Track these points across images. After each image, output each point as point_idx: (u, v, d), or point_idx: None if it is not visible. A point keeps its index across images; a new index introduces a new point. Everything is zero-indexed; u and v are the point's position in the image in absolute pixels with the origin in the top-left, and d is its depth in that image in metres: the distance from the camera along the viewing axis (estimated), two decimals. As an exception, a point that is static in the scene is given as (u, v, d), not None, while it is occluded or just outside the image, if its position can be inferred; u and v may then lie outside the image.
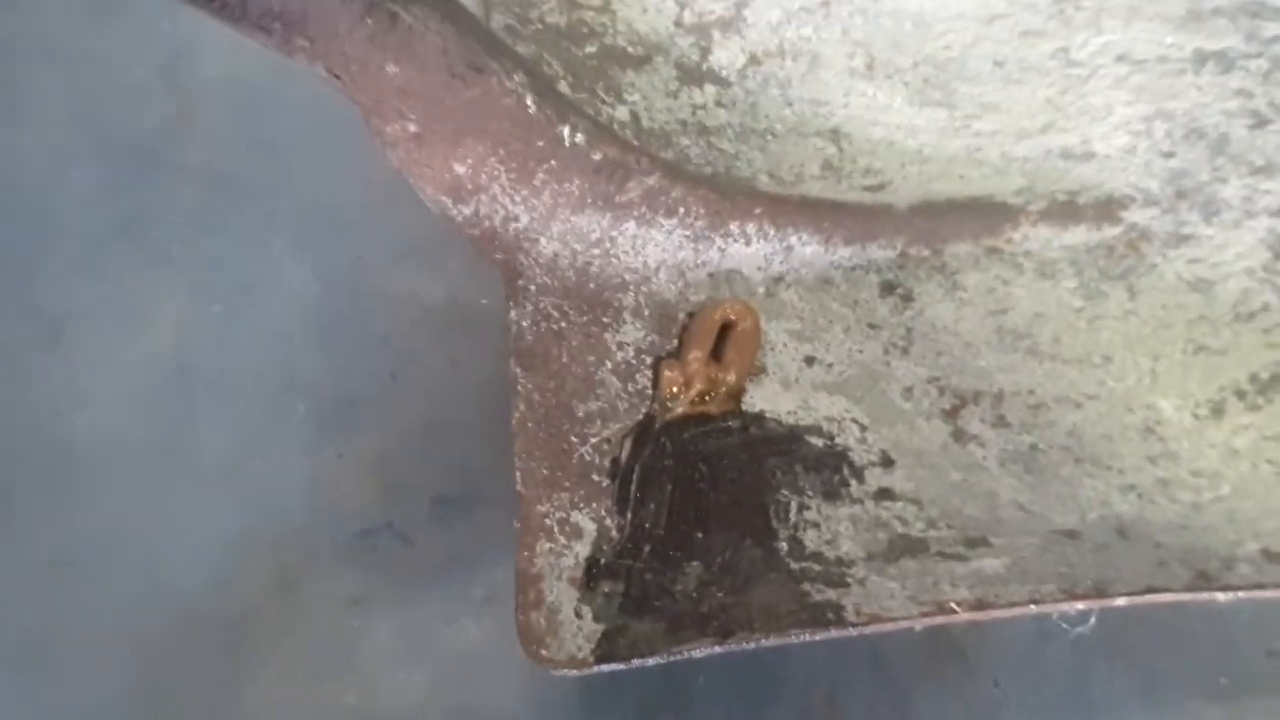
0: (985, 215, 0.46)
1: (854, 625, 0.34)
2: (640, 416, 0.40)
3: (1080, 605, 0.35)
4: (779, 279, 0.44)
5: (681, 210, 0.43)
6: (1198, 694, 0.40)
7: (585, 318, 0.41)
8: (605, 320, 0.41)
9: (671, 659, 0.33)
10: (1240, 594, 0.35)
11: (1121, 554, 0.37)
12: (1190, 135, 0.47)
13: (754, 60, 0.49)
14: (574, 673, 0.33)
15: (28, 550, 0.44)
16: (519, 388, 0.38)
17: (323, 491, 0.44)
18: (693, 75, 0.48)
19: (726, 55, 0.49)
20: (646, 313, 0.42)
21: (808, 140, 0.48)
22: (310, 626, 0.41)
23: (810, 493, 0.39)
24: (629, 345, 0.41)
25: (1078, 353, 0.43)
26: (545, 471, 0.37)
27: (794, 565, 0.36)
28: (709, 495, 0.38)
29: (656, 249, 0.43)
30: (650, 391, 0.41)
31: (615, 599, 0.35)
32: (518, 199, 0.40)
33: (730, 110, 0.48)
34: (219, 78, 0.52)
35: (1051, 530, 0.38)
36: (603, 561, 0.36)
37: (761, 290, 0.44)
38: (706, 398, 0.41)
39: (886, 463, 0.40)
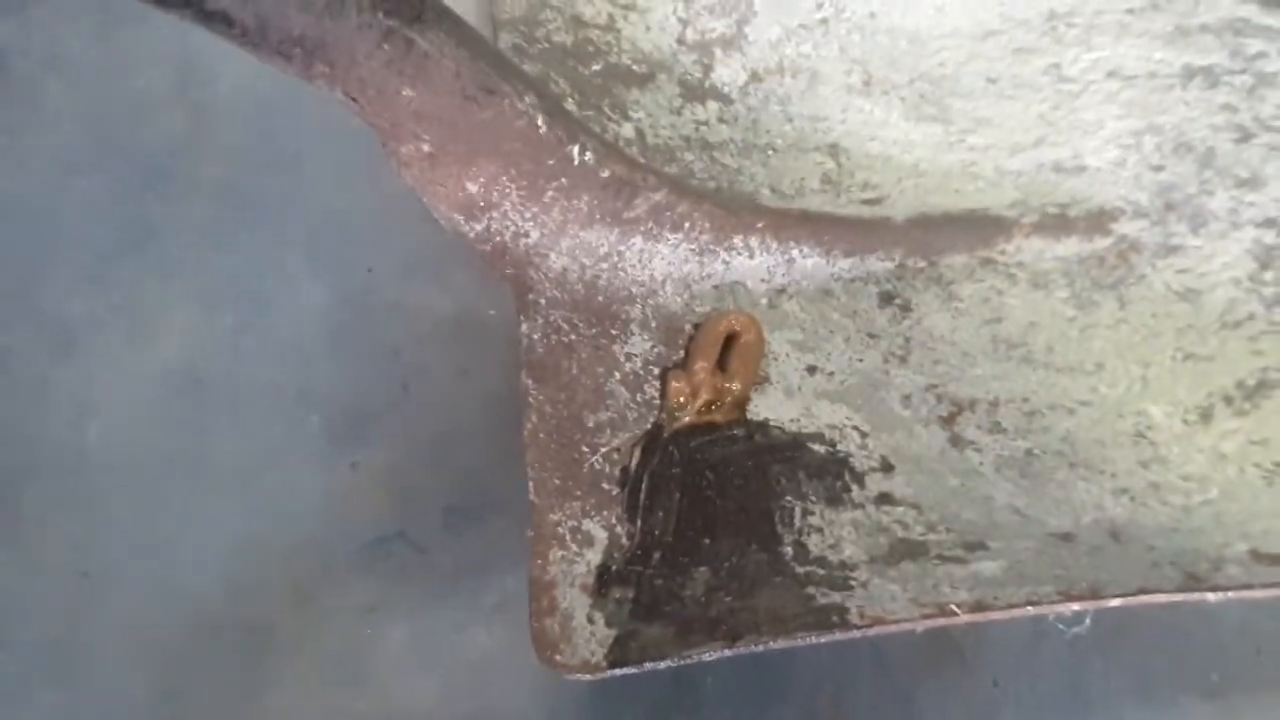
0: (980, 228, 0.47)
1: (858, 627, 0.35)
2: (649, 426, 0.41)
3: (1075, 606, 0.37)
4: (781, 290, 0.46)
5: (687, 225, 0.44)
6: (1190, 691, 0.41)
7: (594, 330, 0.42)
8: (614, 332, 0.42)
9: (681, 662, 0.34)
10: (1229, 594, 0.36)
11: (1115, 556, 0.38)
12: (1178, 149, 0.48)
13: (755, 77, 0.50)
14: (587, 677, 0.34)
15: (44, 560, 0.44)
16: (530, 399, 0.39)
17: (336, 501, 0.44)
18: (696, 92, 0.49)
19: (728, 72, 0.50)
20: (653, 325, 0.43)
21: (807, 155, 0.49)
22: (325, 635, 0.42)
23: (813, 498, 0.40)
24: (637, 356, 0.42)
25: (1070, 361, 0.44)
26: (557, 481, 0.38)
27: (799, 569, 0.37)
28: (716, 502, 0.39)
29: (663, 262, 0.44)
30: (658, 401, 0.42)
31: (626, 604, 0.36)
32: (528, 216, 0.41)
33: (732, 126, 0.49)
34: (231, 91, 0.53)
35: (1047, 533, 0.39)
36: (614, 568, 0.37)
37: (764, 302, 0.45)
38: (713, 407, 0.42)
39: (886, 468, 0.41)
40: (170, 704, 0.41)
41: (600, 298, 0.43)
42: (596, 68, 0.49)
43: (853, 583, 0.37)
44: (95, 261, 0.50)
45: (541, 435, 0.39)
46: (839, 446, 0.41)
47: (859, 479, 0.40)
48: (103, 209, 0.50)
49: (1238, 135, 0.48)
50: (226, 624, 0.42)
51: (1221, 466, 0.41)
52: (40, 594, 0.44)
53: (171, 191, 0.51)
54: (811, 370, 0.44)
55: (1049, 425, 0.42)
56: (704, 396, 0.42)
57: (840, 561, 0.38)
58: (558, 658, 0.34)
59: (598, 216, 0.42)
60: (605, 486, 0.39)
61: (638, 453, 0.40)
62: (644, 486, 0.39)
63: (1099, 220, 0.47)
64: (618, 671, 0.34)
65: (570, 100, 0.47)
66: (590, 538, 0.37)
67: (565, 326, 0.42)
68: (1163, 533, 0.39)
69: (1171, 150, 0.48)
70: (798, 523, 0.39)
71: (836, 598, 0.36)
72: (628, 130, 0.48)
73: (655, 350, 0.43)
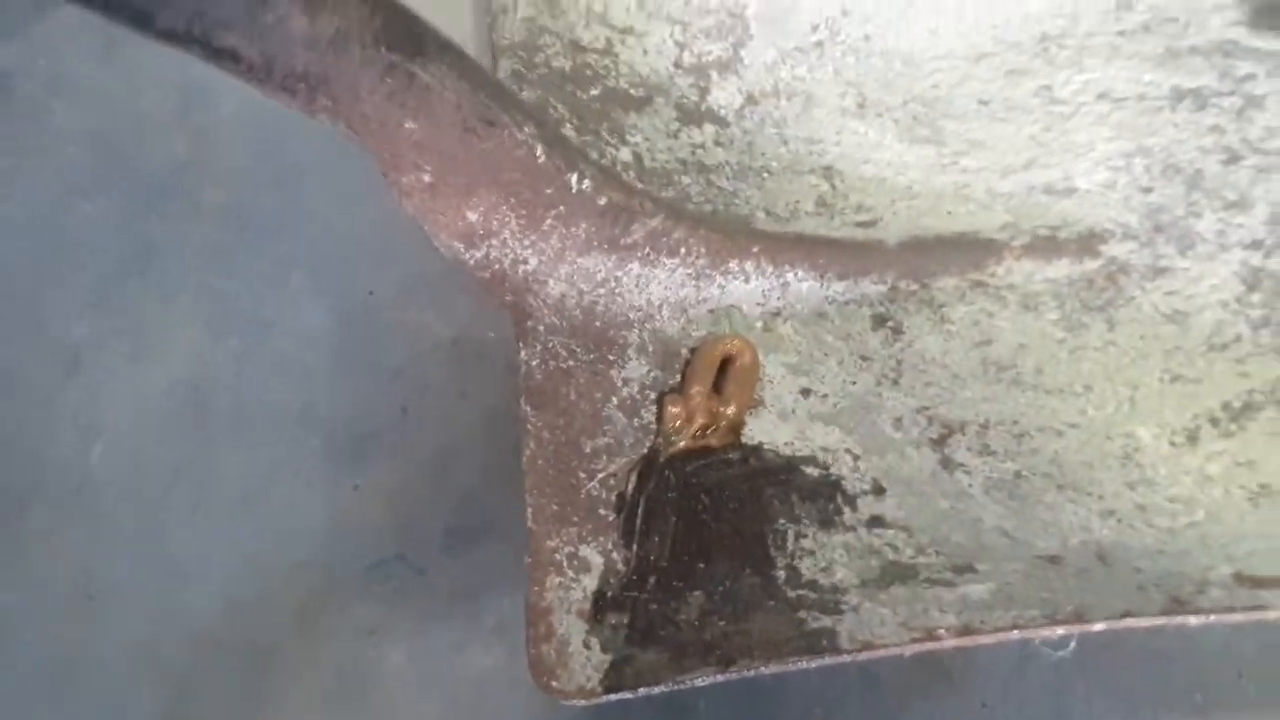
0: (971, 250, 0.47)
1: (847, 652, 0.36)
2: (645, 450, 0.41)
3: (1060, 630, 0.37)
4: (776, 314, 0.46)
5: (683, 250, 0.44)
6: (1173, 714, 0.42)
7: (592, 355, 0.43)
8: (611, 357, 0.43)
9: (675, 687, 0.34)
10: (1211, 617, 0.37)
11: (1101, 579, 0.39)
12: (1167, 171, 0.49)
13: (751, 100, 0.50)
14: (583, 703, 0.35)
15: (49, 578, 0.45)
16: (529, 426, 0.40)
17: (338, 522, 0.45)
18: (692, 115, 0.50)
19: (724, 95, 0.50)
20: (650, 349, 0.44)
21: (802, 177, 0.49)
22: (327, 655, 0.43)
23: (806, 521, 0.40)
24: (634, 381, 0.43)
25: (1059, 383, 0.44)
26: (555, 507, 0.39)
27: (791, 593, 0.38)
28: (711, 526, 0.40)
29: (660, 287, 0.44)
30: (654, 426, 0.42)
31: (621, 630, 0.36)
32: (527, 243, 0.41)
33: (728, 149, 0.50)
34: (233, 114, 0.53)
35: (1034, 556, 0.39)
36: (609, 594, 0.37)
37: (760, 325, 0.46)
38: (708, 431, 0.42)
39: (878, 491, 0.41)
40: (176, 721, 0.42)
41: (598, 323, 0.43)
42: (595, 92, 0.49)
43: (844, 607, 0.37)
44: (99, 283, 0.50)
45: (540, 462, 0.39)
46: (832, 469, 0.42)
47: (851, 502, 0.41)
48: (107, 230, 0.51)
49: (1226, 157, 0.48)
50: (229, 644, 0.43)
51: (1208, 488, 0.41)
52: (45, 612, 0.44)
53: (174, 213, 0.51)
54: (805, 393, 0.44)
55: (1038, 447, 0.43)
56: (699, 420, 0.42)
57: (832, 585, 0.38)
58: (554, 684, 0.35)
59: (595, 243, 0.42)
60: (602, 512, 0.39)
61: (634, 477, 0.41)
62: (640, 512, 0.40)
63: (1089, 242, 0.48)
64: (613, 697, 0.35)
65: (569, 124, 0.48)
66: (587, 563, 0.38)
67: (563, 353, 0.42)
68: (1148, 555, 0.39)
69: (1160, 172, 0.49)
70: (791, 546, 0.40)
71: (827, 622, 0.37)
72: (625, 154, 0.48)
73: (652, 375, 0.43)
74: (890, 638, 0.36)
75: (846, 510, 0.41)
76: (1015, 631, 0.36)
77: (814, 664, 0.35)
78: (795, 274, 0.46)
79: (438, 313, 0.49)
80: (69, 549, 0.46)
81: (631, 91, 0.50)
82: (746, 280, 0.46)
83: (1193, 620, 0.37)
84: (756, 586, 0.38)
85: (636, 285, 0.44)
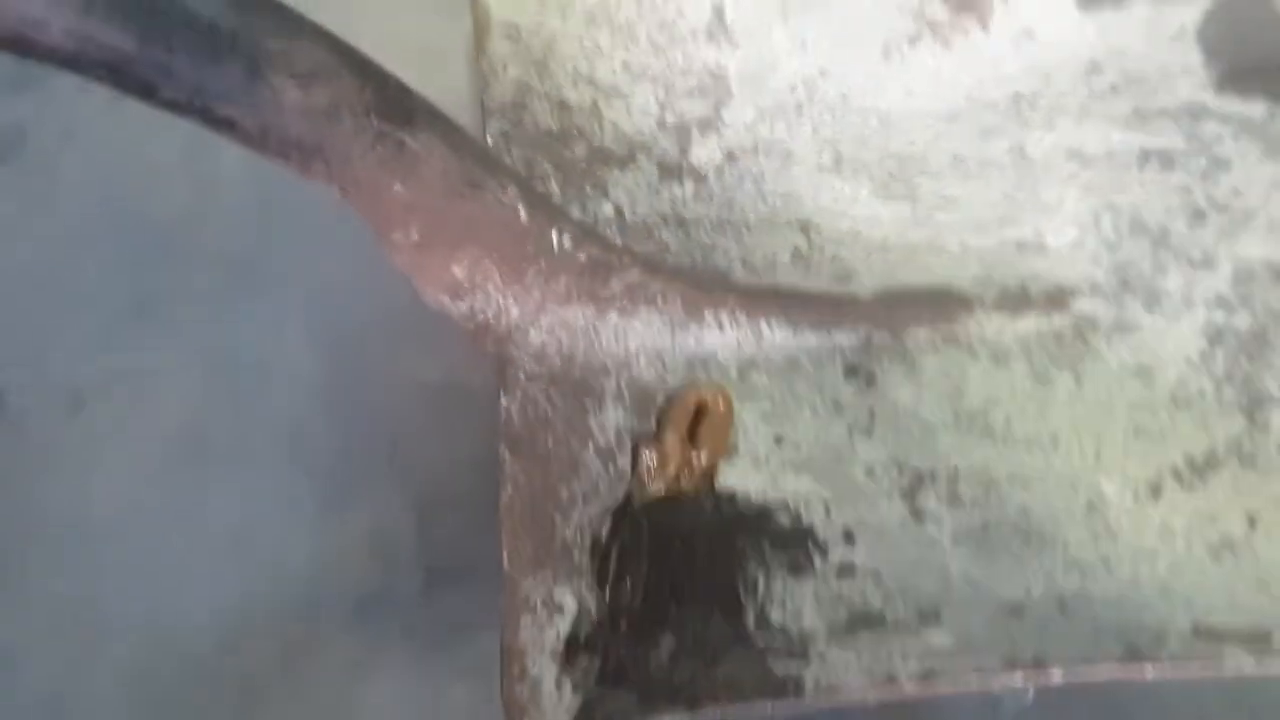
0: (943, 304, 0.49)
1: (812, 696, 0.37)
2: (620, 496, 0.43)
3: (1019, 677, 0.38)
4: (751, 363, 0.48)
5: (660, 301, 0.46)
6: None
7: (570, 403, 0.44)
8: (588, 404, 0.45)
9: (644, 729, 0.36)
10: (1168, 670, 0.38)
11: (1061, 628, 0.40)
12: (1134, 228, 0.50)
13: (730, 157, 0.52)
14: (555, 742, 0.36)
15: (45, 613, 0.46)
16: (508, 470, 0.41)
17: (324, 561, 0.47)
18: (673, 172, 0.51)
19: (705, 152, 0.52)
20: (627, 396, 0.45)
21: (779, 231, 0.51)
22: (312, 691, 0.44)
23: (777, 568, 0.42)
24: (610, 428, 0.44)
25: (1028, 434, 0.45)
26: (531, 551, 0.40)
27: (759, 640, 0.39)
28: (683, 571, 0.41)
29: (637, 337, 0.46)
30: (629, 472, 0.44)
31: (593, 672, 0.38)
32: (509, 296, 0.43)
33: (707, 204, 0.51)
34: (235, 163, 0.55)
35: (998, 605, 0.41)
36: (582, 636, 0.39)
37: (734, 374, 0.47)
38: (682, 477, 0.44)
39: (849, 539, 0.43)
40: (163, 754, 0.43)
41: (576, 371, 0.45)
42: (580, 150, 0.51)
43: (811, 653, 0.39)
44: (103, 327, 0.52)
45: (517, 506, 0.41)
46: (804, 517, 0.43)
47: (822, 549, 0.42)
48: (112, 277, 0.53)
49: (1192, 216, 0.50)
50: (219, 680, 0.44)
51: (1169, 541, 0.42)
52: (40, 647, 0.46)
53: (177, 259, 0.53)
54: (779, 441, 0.45)
55: (1005, 497, 0.44)
56: (673, 467, 0.44)
57: (800, 632, 0.40)
58: (527, 723, 0.36)
59: (575, 295, 0.44)
60: (576, 556, 0.41)
61: (609, 522, 0.42)
62: (613, 556, 0.41)
63: (1058, 298, 0.49)
64: (583, 737, 0.36)
65: (554, 181, 0.50)
66: (560, 606, 0.39)
67: (542, 400, 0.44)
68: (1110, 605, 0.40)
69: (1128, 230, 0.50)
70: (761, 592, 0.41)
71: (795, 667, 0.38)
72: (607, 209, 0.50)
73: (628, 421, 0.45)
74: (854, 684, 0.37)
75: (817, 557, 0.42)
76: (974, 678, 0.37)
77: (779, 711, 0.36)
78: (770, 325, 0.47)
79: (425, 358, 0.50)
80: (66, 584, 0.47)
81: (615, 149, 0.52)
82: (722, 330, 0.47)
83: (1149, 673, 0.38)
84: (726, 632, 0.40)
85: (615, 335, 0.46)
